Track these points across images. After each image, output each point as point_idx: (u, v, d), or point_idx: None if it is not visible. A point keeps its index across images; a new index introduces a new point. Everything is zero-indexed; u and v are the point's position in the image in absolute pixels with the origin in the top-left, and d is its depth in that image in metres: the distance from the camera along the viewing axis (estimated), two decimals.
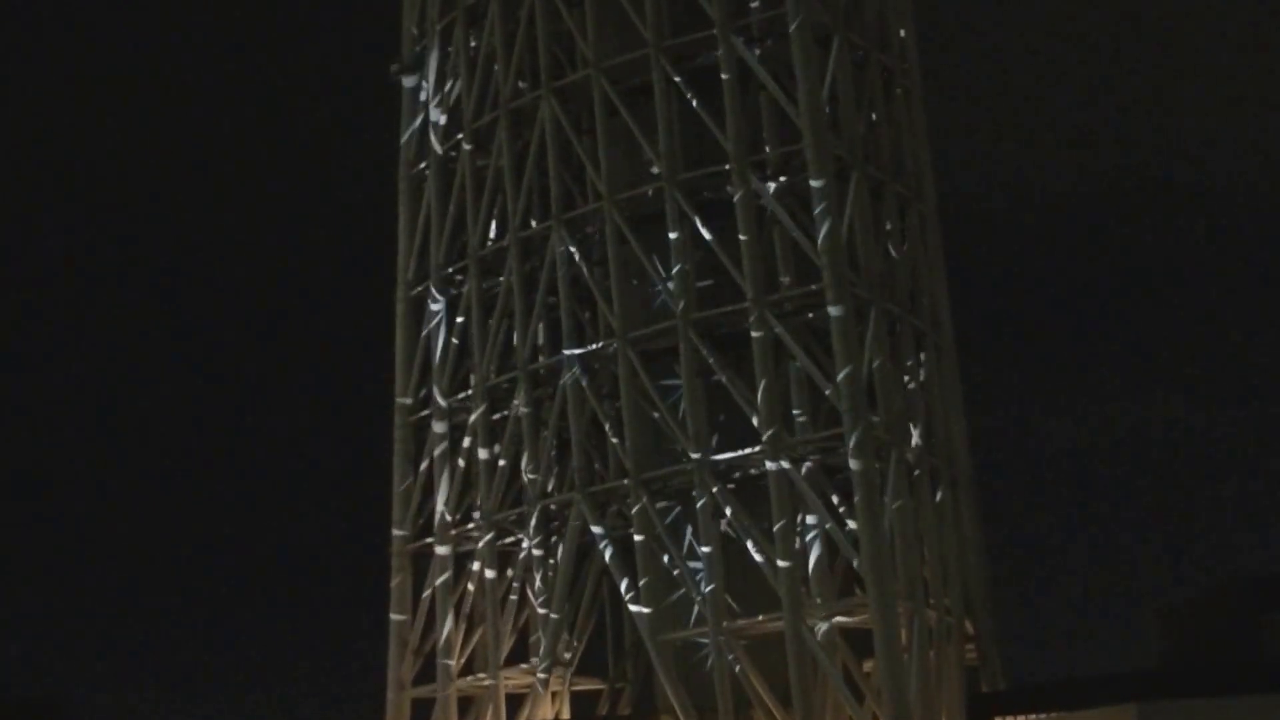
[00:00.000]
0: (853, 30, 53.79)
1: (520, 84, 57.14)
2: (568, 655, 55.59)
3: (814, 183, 50.26)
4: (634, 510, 51.68)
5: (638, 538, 51.41)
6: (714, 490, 50.49)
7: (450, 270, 58.43)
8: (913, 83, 56.99)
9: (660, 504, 52.82)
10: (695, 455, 50.64)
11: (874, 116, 54.45)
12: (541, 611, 53.79)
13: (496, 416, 56.44)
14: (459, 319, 58.08)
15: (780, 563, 49.06)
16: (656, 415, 52.57)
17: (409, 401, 59.29)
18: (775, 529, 49.31)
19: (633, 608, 51.56)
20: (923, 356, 54.23)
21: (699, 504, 50.62)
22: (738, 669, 49.46)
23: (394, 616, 57.75)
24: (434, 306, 58.72)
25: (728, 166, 51.62)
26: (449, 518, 56.72)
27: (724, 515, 50.83)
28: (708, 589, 49.98)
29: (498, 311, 56.42)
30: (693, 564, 51.53)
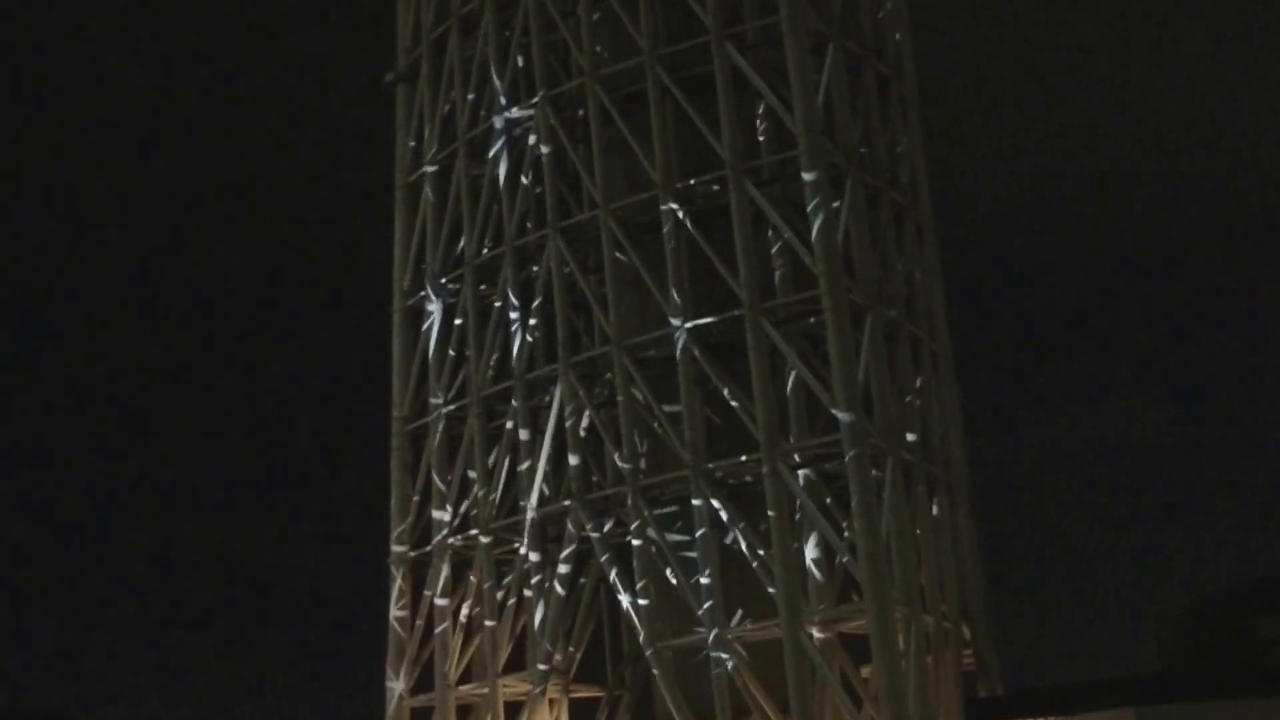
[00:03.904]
0: (848, 37, 53.82)
1: (514, 93, 57.17)
2: (566, 661, 55.59)
3: (809, 189, 50.31)
4: (631, 517, 51.65)
5: (635, 544, 51.40)
6: (711, 497, 50.47)
7: (446, 279, 58.43)
8: (908, 89, 57.00)
9: (658, 510, 52.80)
10: (692, 462, 50.66)
11: (869, 123, 54.47)
12: (539, 619, 53.73)
13: (493, 425, 56.43)
14: (455, 328, 58.09)
15: (777, 569, 49.03)
16: (655, 423, 52.61)
17: (406, 411, 59.27)
18: (772, 535, 49.30)
19: (630, 614, 51.53)
20: (919, 363, 54.23)
21: (696, 510, 50.61)
22: (735, 675, 49.42)
23: (392, 625, 57.71)
24: (430, 316, 58.70)
25: (723, 174, 51.69)
26: (446, 526, 56.69)
27: (721, 522, 50.78)
28: (706, 596, 49.93)
29: (493, 320, 56.43)
30: (690, 571, 51.44)
